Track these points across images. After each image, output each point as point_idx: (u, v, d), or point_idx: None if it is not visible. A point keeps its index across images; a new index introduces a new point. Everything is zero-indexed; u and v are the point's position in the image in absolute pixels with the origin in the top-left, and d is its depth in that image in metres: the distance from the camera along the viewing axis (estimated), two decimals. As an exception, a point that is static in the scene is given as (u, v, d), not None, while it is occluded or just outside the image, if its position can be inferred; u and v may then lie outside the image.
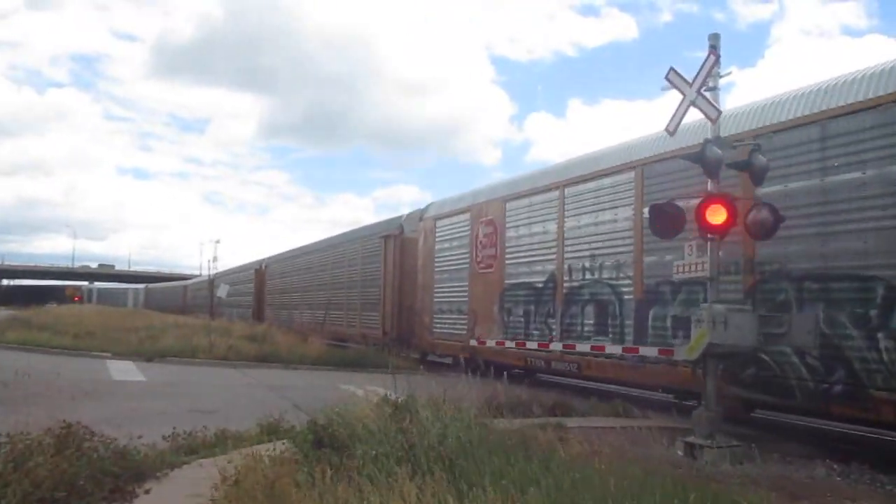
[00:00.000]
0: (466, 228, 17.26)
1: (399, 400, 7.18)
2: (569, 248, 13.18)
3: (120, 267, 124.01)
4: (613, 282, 12.02)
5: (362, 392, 8.32)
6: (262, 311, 38.52)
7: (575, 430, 7.92)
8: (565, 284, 13.22)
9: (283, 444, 6.56)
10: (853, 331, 8.14)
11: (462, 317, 17.04)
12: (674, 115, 8.30)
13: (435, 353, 18.85)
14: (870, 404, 7.91)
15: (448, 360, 18.09)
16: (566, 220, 13.40)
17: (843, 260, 8.39)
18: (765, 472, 6.79)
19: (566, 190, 13.51)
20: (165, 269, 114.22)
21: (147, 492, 5.76)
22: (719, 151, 7.82)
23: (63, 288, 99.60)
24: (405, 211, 23.73)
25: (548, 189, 14.07)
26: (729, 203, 7.64)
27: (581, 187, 13.14)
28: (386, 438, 5.82)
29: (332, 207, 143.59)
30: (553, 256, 13.64)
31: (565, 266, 13.29)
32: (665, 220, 8.24)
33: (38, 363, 16.56)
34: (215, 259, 61.42)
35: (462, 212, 17.71)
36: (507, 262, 15.28)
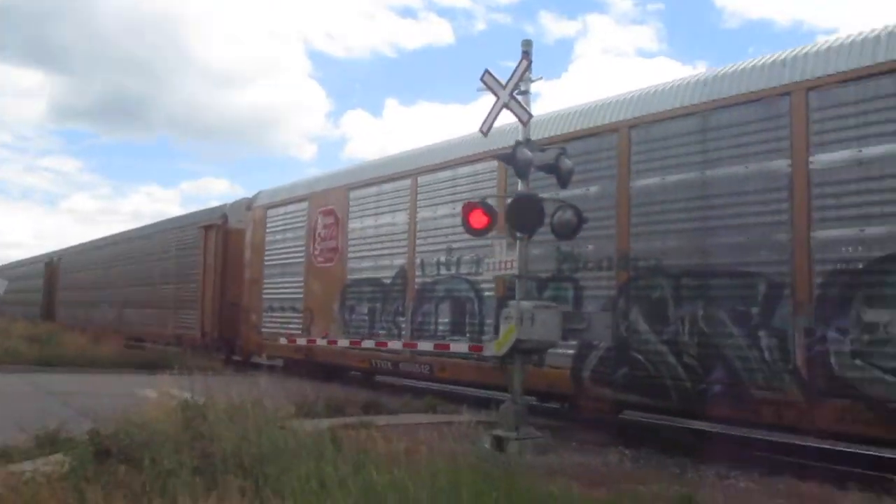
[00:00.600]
0: (303, 219, 15.85)
1: (197, 403, 6.83)
2: (422, 242, 12.26)
3: None
4: (473, 277, 11.17)
5: (158, 395, 7.73)
6: (54, 310, 34.81)
7: (387, 427, 7.97)
8: (417, 280, 12.27)
9: (63, 455, 5.85)
10: (733, 328, 7.78)
11: (296, 315, 15.67)
12: (487, 117, 8.48)
13: (264, 355, 17.36)
14: (750, 404, 7.59)
15: (279, 363, 16.96)
16: (419, 210, 12.42)
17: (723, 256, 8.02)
18: (565, 462, 7.17)
19: (419, 178, 12.53)
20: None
21: None
22: (529, 153, 8.10)
23: None
24: (214, 204, 22.54)
25: (399, 177, 13.02)
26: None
27: (437, 175, 12.17)
28: (179, 447, 5.39)
29: (134, 199, 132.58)
30: (403, 250, 12.62)
31: (417, 260, 12.31)
32: (476, 219, 8.29)
33: None
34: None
35: (298, 200, 16.23)
36: (350, 255, 14.07)
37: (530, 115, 8.32)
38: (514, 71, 8.27)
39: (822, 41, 7.75)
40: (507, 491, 4.60)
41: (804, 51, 7.75)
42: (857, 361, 6.85)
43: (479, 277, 10.96)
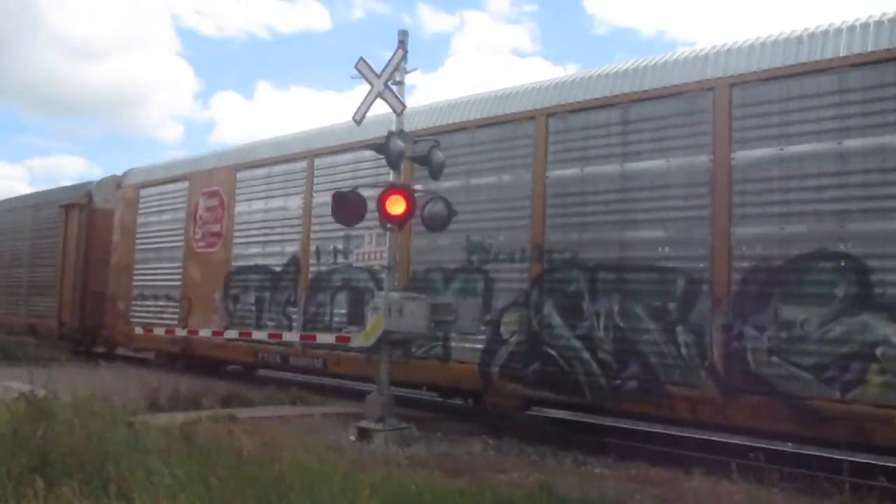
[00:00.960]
0: (183, 200, 14.57)
1: (37, 398, 6.33)
2: (318, 228, 11.45)
3: None
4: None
5: None
6: None
7: (248, 420, 7.84)
8: (312, 269, 11.48)
9: None
10: (650, 324, 7.67)
11: (172, 304, 14.42)
12: (361, 105, 8.44)
13: (132, 347, 15.96)
14: (665, 400, 7.50)
15: (149, 356, 15.71)
16: (315, 195, 11.61)
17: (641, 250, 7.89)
18: (430, 452, 7.29)
19: (317, 161, 11.74)
20: None
21: None
22: (402, 144, 8.15)
23: None
24: (68, 182, 20.71)
25: (294, 159, 12.16)
26: (409, 195, 8.02)
27: (336, 158, 11.45)
28: (16, 447, 5.00)
29: None
30: (297, 236, 11.76)
31: (312, 247, 11.53)
32: (346, 208, 8.37)
33: None
34: None
35: (178, 180, 14.88)
36: (235, 240, 13.02)
37: (404, 106, 8.33)
38: (390, 60, 8.28)
39: (745, 38, 7.78)
40: (370, 484, 4.51)
41: (727, 47, 7.77)
42: (774, 358, 6.89)
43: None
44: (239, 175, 13.23)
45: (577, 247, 8.35)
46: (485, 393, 9.14)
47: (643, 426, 9.07)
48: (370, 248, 8.33)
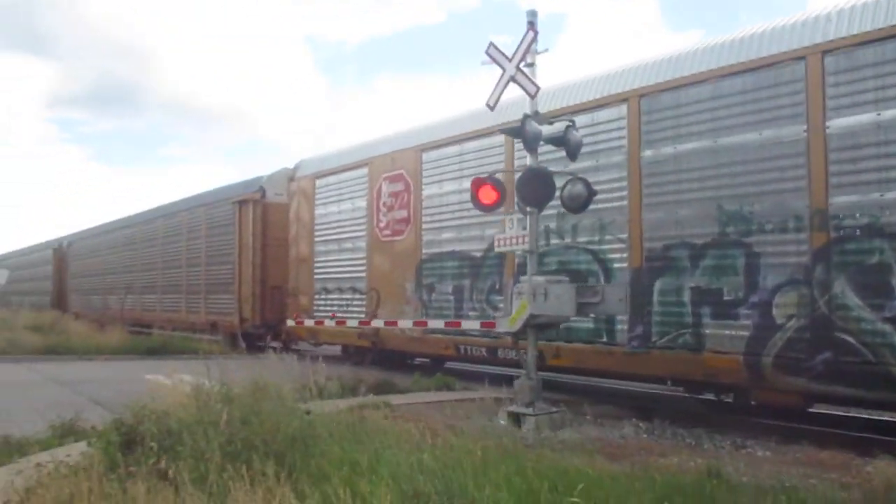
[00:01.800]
0: (363, 187, 13.85)
1: (216, 389, 6.47)
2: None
3: None
4: (596, 246, 9.33)
5: (170, 381, 7.20)
6: (65, 298, 32.25)
7: (402, 407, 8.12)
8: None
9: (85, 447, 5.69)
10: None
11: (358, 297, 13.74)
12: (494, 90, 8.29)
13: (316, 342, 15.27)
14: None
15: (333, 351, 15.08)
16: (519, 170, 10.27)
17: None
18: (582, 436, 7.22)
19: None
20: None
21: None
22: (538, 127, 8.01)
23: None
24: (209, 189, 20.57)
25: (491, 132, 10.66)
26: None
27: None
28: (206, 435, 5.07)
29: (131, 181, 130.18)
30: (498, 217, 10.10)
31: None
32: (486, 194, 8.20)
33: None
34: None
35: (356, 167, 14.14)
36: (426, 226, 12.12)
37: (537, 88, 8.11)
38: (521, 42, 8.10)
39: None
40: (532, 468, 4.53)
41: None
42: None
43: (606, 246, 9.16)
44: (425, 156, 12.26)
45: (879, 209, 6.69)
46: (752, 388, 7.82)
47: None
48: (511, 233, 8.18)
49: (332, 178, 14.86)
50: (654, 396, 10.17)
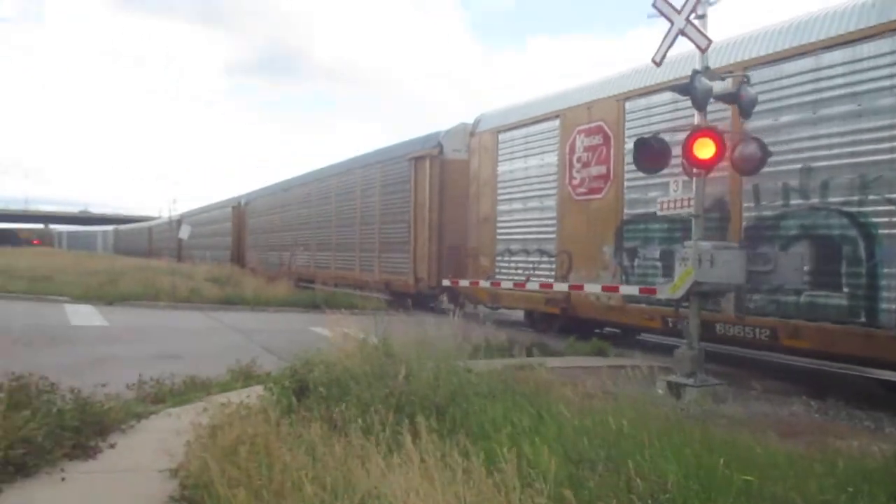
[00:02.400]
0: (553, 141, 12.77)
1: (379, 342, 6.88)
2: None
3: (77, 210, 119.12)
4: (853, 208, 7.84)
5: (334, 333, 7.78)
6: (243, 254, 33.70)
7: (557, 370, 7.76)
8: (747, 213, 8.98)
9: (262, 391, 5.98)
10: None
11: (546, 259, 12.84)
12: (661, 45, 7.89)
13: (497, 305, 14.86)
14: None
15: (511, 315, 14.88)
16: (755, 118, 8.44)
17: None
18: (747, 411, 6.84)
19: (755, 72, 8.72)
20: (125, 212, 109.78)
21: (112, 446, 5.29)
22: (708, 83, 7.56)
23: (16, 231, 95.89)
24: (372, 146, 20.48)
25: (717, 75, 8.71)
26: (717, 136, 7.36)
27: (779, 69, 8.68)
28: (371, 386, 5.37)
29: (297, 142, 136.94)
30: (723, 173, 8.80)
31: (747, 186, 8.90)
32: (649, 155, 7.92)
33: None
34: (175, 201, 58.76)
35: (545, 119, 13.01)
36: (629, 184, 10.88)
37: (709, 41, 7.64)
38: None
39: None
40: (701, 440, 4.35)
41: None
42: None
43: (868, 208, 7.71)
44: (629, 105, 10.93)
45: None
46: None
47: None
48: (676, 195, 7.93)
49: (517, 132, 13.84)
50: (825, 374, 9.52)
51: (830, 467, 4.22)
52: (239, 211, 34.97)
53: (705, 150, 7.32)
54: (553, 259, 12.70)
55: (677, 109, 9.78)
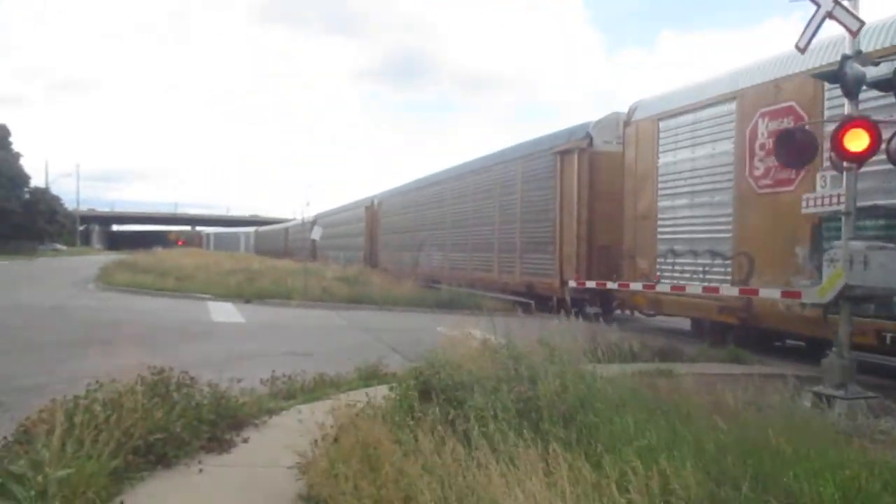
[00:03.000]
0: (728, 127, 11.34)
1: (504, 345, 6.70)
2: None
3: (219, 213, 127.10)
4: None
5: (460, 334, 7.76)
6: (376, 254, 33.06)
7: (688, 376, 7.30)
8: None
9: (387, 391, 5.96)
10: None
11: (720, 262, 11.48)
12: (805, 29, 7.27)
13: (658, 312, 13.59)
14: None
15: (678, 323, 13.67)
16: None
17: None
18: None
19: None
20: (264, 214, 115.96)
21: (245, 440, 5.51)
22: (861, 69, 6.98)
23: (166, 233, 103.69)
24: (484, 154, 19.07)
25: None
26: (872, 127, 6.68)
27: None
28: (496, 390, 5.22)
29: (421, 146, 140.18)
30: None
31: None
32: (794, 148, 7.35)
33: (143, 305, 17.15)
34: (308, 203, 61.01)
35: (718, 102, 11.54)
36: (825, 173, 8.82)
37: (861, 23, 7.08)
38: None
39: None
40: (859, 460, 3.99)
41: None
42: None
43: None
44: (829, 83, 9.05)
45: None
46: None
47: None
48: (824, 192, 7.43)
49: (682, 119, 12.41)
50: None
51: None
52: (372, 211, 34.77)
53: (858, 141, 6.69)
54: (728, 262, 11.30)
55: None
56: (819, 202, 7.49)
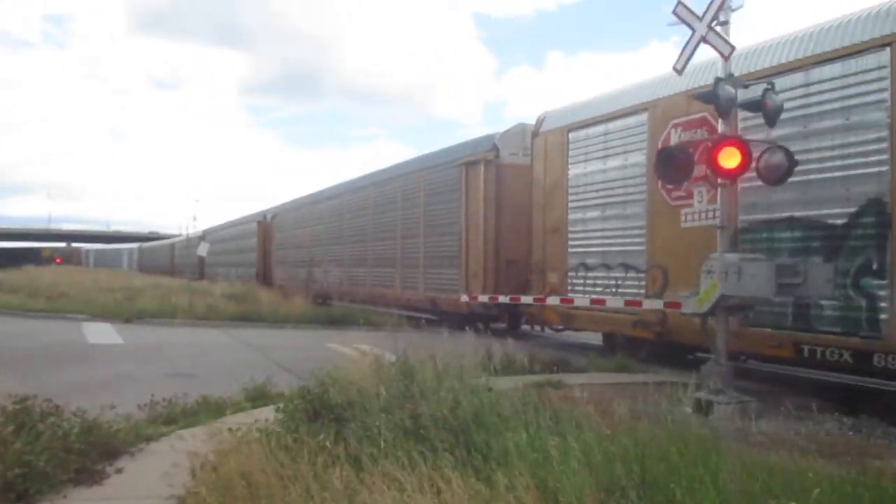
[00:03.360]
0: (640, 138, 11.15)
1: (396, 361, 6.71)
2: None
3: (99, 228, 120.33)
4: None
5: (351, 351, 7.86)
6: (270, 271, 32.24)
7: (578, 387, 7.53)
8: None
9: (275, 412, 5.70)
10: None
11: (633, 275, 11.25)
12: (682, 53, 7.72)
13: (569, 327, 13.33)
14: None
15: (587, 338, 13.41)
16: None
17: None
18: (780, 430, 6.58)
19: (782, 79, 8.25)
20: (149, 230, 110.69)
21: (119, 471, 5.14)
22: (732, 91, 7.40)
23: (40, 250, 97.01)
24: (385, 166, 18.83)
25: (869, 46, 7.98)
26: (744, 146, 7.17)
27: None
28: (387, 408, 5.17)
29: (313, 162, 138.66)
30: (878, 168, 7.85)
31: None
32: (672, 166, 7.61)
33: (9, 327, 15.86)
34: (195, 219, 58.76)
35: (629, 113, 11.35)
36: (745, 184, 9.09)
37: (732, 48, 7.49)
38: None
39: None
40: (740, 463, 4.13)
41: None
42: None
43: None
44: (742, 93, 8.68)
45: None
46: None
47: None
48: (701, 207, 7.67)
49: (592, 130, 12.19)
50: (855, 388, 9.19)
51: (880, 493, 3.92)
52: (265, 226, 33.68)
53: (731, 159, 7.08)
54: (642, 275, 11.09)
55: (849, 86, 8.32)
56: (697, 217, 7.77)
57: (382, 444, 4.37)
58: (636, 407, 6.62)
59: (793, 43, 8.98)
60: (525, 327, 15.87)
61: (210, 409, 6.93)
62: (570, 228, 12.62)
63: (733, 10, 7.52)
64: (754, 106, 7.57)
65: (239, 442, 4.80)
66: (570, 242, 12.63)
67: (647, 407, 6.70)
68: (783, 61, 8.98)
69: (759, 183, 7.86)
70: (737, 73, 8.15)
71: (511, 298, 13.38)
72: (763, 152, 7.38)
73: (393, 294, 19.52)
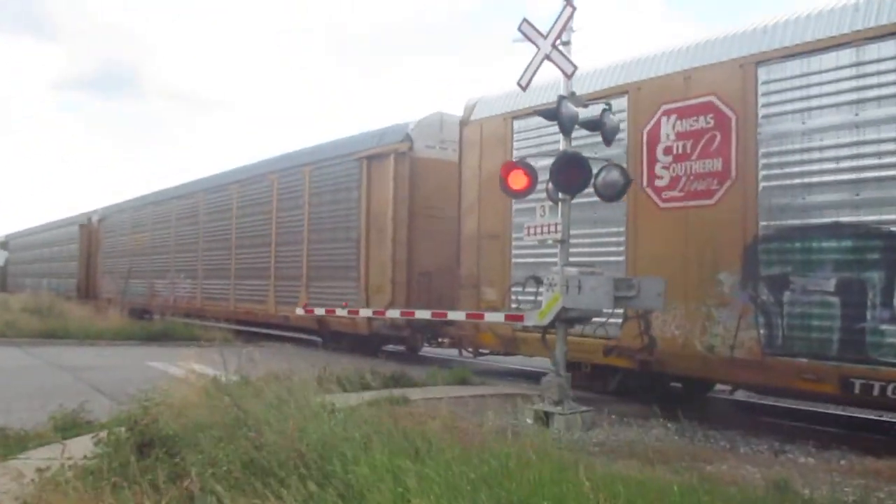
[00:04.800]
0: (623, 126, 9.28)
1: (229, 380, 6.41)
2: None
3: None
4: None
5: (178, 371, 7.31)
6: (96, 282, 28.20)
7: (421, 402, 7.62)
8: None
9: (90, 444, 5.06)
10: None
11: None
12: (527, 69, 7.93)
13: (514, 352, 10.96)
14: None
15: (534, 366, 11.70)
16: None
17: None
18: (616, 438, 6.82)
19: None
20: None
21: None
22: (574, 108, 7.63)
23: None
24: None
25: None
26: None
27: None
28: (222, 439, 4.71)
29: (141, 164, 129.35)
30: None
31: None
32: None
33: None
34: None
35: (602, 97, 8.97)
36: (767, 182, 7.70)
37: (575, 67, 7.71)
38: (557, 19, 7.66)
39: None
40: (589, 478, 4.04)
41: None
42: None
43: None
44: (762, 70, 7.77)
45: None
46: None
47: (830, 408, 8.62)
48: (542, 220, 7.80)
49: (542, 119, 9.85)
50: (678, 395, 9.32)
51: (715, 497, 4.03)
52: (89, 229, 29.12)
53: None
54: None
55: (862, 77, 7.01)
56: (538, 230, 7.85)
57: (216, 483, 3.98)
58: (478, 420, 6.65)
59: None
60: (426, 349, 14.45)
61: (9, 444, 6.01)
62: (514, 234, 10.36)
63: (574, 32, 7.79)
64: (592, 125, 7.81)
65: (49, 483, 4.18)
66: (515, 251, 10.44)
67: (490, 419, 6.62)
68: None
69: (789, 182, 7.24)
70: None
71: (434, 314, 10.67)
72: (601, 169, 7.71)
73: (264, 311, 16.94)
